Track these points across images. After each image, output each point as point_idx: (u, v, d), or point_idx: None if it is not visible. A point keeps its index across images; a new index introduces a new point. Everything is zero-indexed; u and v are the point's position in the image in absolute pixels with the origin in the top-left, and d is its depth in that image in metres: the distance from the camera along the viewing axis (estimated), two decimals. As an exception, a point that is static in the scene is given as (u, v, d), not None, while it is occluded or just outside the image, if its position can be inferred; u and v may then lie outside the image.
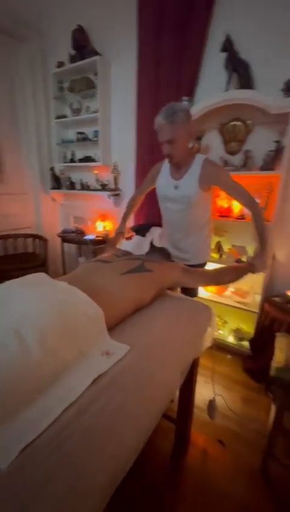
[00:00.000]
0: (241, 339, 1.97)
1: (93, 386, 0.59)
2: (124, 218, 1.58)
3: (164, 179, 1.36)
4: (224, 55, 1.61)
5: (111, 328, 0.81)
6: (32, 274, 0.88)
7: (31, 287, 0.76)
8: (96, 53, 2.20)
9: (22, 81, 2.54)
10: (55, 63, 2.44)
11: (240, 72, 1.56)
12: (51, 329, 0.62)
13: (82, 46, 2.26)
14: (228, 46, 1.56)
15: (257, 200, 1.27)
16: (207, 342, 1.00)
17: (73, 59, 2.33)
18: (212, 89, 1.77)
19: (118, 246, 1.47)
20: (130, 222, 2.39)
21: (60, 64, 2.42)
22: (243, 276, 1.12)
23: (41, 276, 0.88)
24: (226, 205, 1.83)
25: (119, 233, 1.52)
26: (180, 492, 1.08)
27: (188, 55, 1.80)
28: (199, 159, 1.25)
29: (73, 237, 2.60)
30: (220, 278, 1.12)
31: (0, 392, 0.50)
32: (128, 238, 1.63)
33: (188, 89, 1.84)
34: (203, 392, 1.46)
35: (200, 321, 0.97)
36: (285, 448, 1.22)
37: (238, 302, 1.94)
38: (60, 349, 0.63)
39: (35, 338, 0.59)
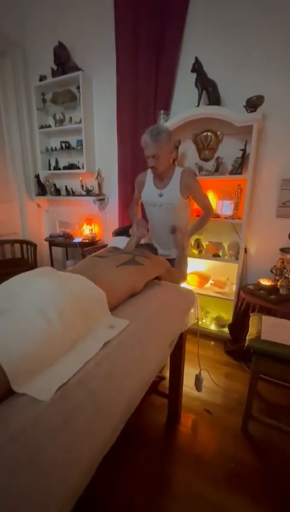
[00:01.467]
0: (222, 326, 2.19)
1: (104, 349, 0.74)
2: (134, 217, 1.80)
3: (149, 188, 1.58)
4: (195, 74, 1.84)
5: (112, 309, 0.96)
6: (41, 267, 1.01)
7: (44, 276, 0.90)
8: (77, 68, 2.37)
9: (5, 93, 2.64)
10: (38, 76, 2.57)
11: (209, 90, 1.79)
12: (67, 307, 0.76)
13: (63, 62, 2.41)
14: (197, 68, 1.79)
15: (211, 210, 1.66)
16: (192, 320, 1.18)
17: (55, 73, 2.47)
18: (186, 104, 2.00)
19: (109, 244, 1.64)
20: (116, 225, 2.56)
21: (42, 78, 2.55)
22: (184, 249, 1.48)
23: (49, 268, 1.02)
24: (202, 206, 2.05)
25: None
26: (175, 452, 1.24)
27: (163, 73, 2.02)
28: (178, 171, 1.50)
29: (61, 241, 2.71)
30: (184, 271, 1.48)
31: (36, 352, 0.64)
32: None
33: (164, 103, 2.05)
34: (191, 371, 1.64)
35: (184, 302, 1.15)
36: (260, 409, 1.43)
37: (218, 293, 2.15)
38: (75, 324, 0.77)
39: (56, 314, 0.73)
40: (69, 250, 3.03)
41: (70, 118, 2.59)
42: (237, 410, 1.44)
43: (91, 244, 2.61)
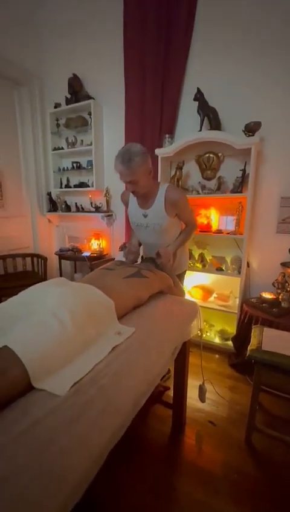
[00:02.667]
0: (226, 339, 2.22)
1: (113, 352, 0.82)
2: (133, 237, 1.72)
3: (133, 208, 1.49)
4: (197, 102, 2.00)
5: (119, 317, 1.04)
6: (55, 278, 1.11)
7: (58, 285, 1.00)
8: (89, 97, 2.58)
9: (23, 118, 2.87)
10: (53, 104, 2.80)
11: (210, 116, 1.94)
12: (79, 312, 0.85)
13: (77, 91, 2.64)
14: (199, 97, 1.95)
15: (195, 226, 1.59)
16: (194, 330, 1.24)
17: (68, 101, 2.70)
18: (189, 128, 2.16)
19: (116, 258, 1.73)
20: (122, 240, 2.67)
21: (57, 105, 2.78)
22: (172, 270, 1.48)
23: (62, 279, 1.11)
24: (205, 222, 2.15)
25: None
26: (179, 462, 1.27)
27: (168, 100, 2.20)
28: (163, 188, 1.38)
29: (70, 255, 2.83)
30: (181, 288, 1.55)
31: (52, 354, 0.72)
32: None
33: (169, 127, 2.22)
34: (195, 384, 1.67)
35: (186, 312, 1.22)
36: (263, 421, 1.45)
37: (221, 306, 2.20)
38: (85, 328, 0.85)
39: (69, 318, 0.81)
40: (77, 263, 3.14)
41: (82, 140, 2.79)
42: (240, 422, 1.46)
43: (99, 258, 2.72)
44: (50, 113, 2.81)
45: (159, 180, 2.21)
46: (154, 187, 1.39)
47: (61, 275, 3.03)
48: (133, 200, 1.48)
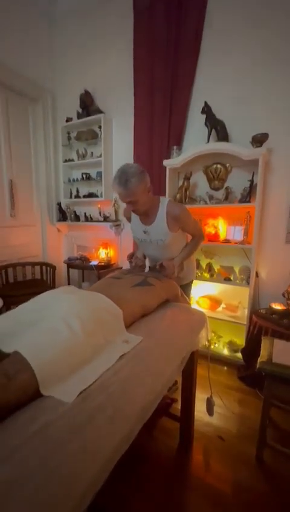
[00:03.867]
0: (235, 351, 2.17)
1: (121, 360, 0.82)
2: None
3: (135, 224, 1.48)
4: (204, 115, 2.05)
5: (126, 326, 1.04)
6: (65, 286, 1.13)
7: (68, 293, 1.01)
8: (99, 111, 2.68)
9: (35, 132, 2.99)
10: (65, 118, 2.91)
11: (217, 128, 1.98)
12: (88, 319, 0.86)
13: (88, 106, 2.74)
14: (206, 110, 2.00)
15: (202, 236, 1.54)
16: (202, 340, 1.23)
17: (80, 116, 2.80)
18: (197, 139, 2.20)
19: (124, 267, 1.74)
20: (130, 249, 2.69)
21: (69, 119, 2.89)
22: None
23: (72, 287, 1.13)
24: (213, 231, 2.16)
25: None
26: (187, 478, 1.23)
27: (176, 113, 2.26)
28: (163, 203, 1.37)
29: (78, 263, 2.86)
30: (188, 300, 1.52)
31: (61, 360, 0.72)
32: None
33: (177, 139, 2.27)
34: (203, 397, 1.63)
35: (194, 321, 1.21)
36: (275, 438, 1.39)
37: (230, 316, 2.17)
38: (94, 336, 0.86)
39: (78, 326, 0.82)
40: (85, 272, 3.17)
41: (92, 152, 2.87)
42: (250, 438, 1.41)
43: (106, 267, 2.74)
44: (62, 127, 2.92)
45: (167, 190, 2.24)
46: (155, 203, 1.38)
47: (69, 284, 3.06)
48: (135, 216, 1.46)
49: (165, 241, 1.41)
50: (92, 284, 1.35)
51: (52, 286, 2.81)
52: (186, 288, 1.64)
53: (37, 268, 2.98)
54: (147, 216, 1.40)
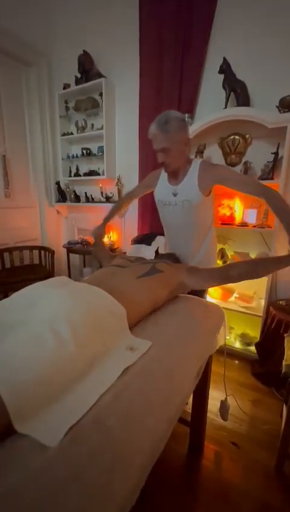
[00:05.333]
0: (247, 344, 2.01)
1: (124, 375, 0.63)
2: (106, 219, 1.57)
3: (162, 186, 1.34)
4: (222, 75, 1.75)
5: (131, 326, 0.86)
6: (56, 277, 0.93)
7: (60, 287, 0.81)
8: (100, 75, 2.36)
9: (30, 102, 2.69)
10: (62, 85, 2.59)
11: (237, 91, 1.69)
12: (82, 324, 0.67)
13: (87, 69, 2.42)
14: (225, 68, 1.69)
15: (268, 187, 1.13)
16: (221, 340, 1.04)
17: (78, 81, 2.48)
18: (212, 106, 1.91)
19: (128, 252, 1.53)
20: (135, 233, 2.47)
21: (66, 86, 2.57)
22: (277, 267, 1.04)
23: (65, 278, 0.93)
24: (228, 213, 1.92)
25: (99, 235, 1.54)
26: (197, 490, 1.09)
27: (188, 75, 1.95)
28: (196, 163, 1.23)
29: (79, 248, 2.67)
30: (231, 273, 1.00)
31: (42, 381, 0.54)
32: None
33: (189, 106, 1.97)
34: (214, 395, 1.48)
35: (212, 319, 1.02)
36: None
37: (244, 307, 1.98)
38: (90, 343, 0.67)
39: (68, 332, 0.63)
40: (87, 257, 2.98)
41: (92, 124, 2.58)
42: (268, 445, 1.26)
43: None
44: (58, 94, 2.61)
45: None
46: (187, 163, 1.24)
47: (69, 269, 2.88)
48: (163, 177, 1.33)
49: (193, 203, 1.23)
50: (94, 271, 1.15)
51: (51, 272, 2.64)
52: None
53: (36, 252, 2.79)
54: (176, 175, 1.26)
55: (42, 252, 2.79)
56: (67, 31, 2.55)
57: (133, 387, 0.60)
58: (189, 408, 1.25)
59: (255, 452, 1.25)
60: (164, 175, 1.33)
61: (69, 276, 2.91)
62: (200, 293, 1.46)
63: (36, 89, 2.66)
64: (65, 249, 2.82)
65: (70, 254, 2.82)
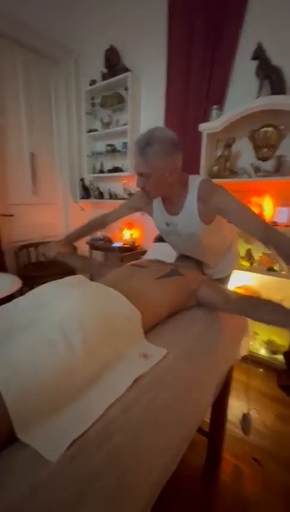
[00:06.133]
0: (274, 352, 1.87)
1: (136, 386, 0.59)
2: (67, 238, 1.40)
3: (159, 214, 1.13)
4: (254, 62, 1.61)
5: (147, 331, 0.81)
6: (71, 276, 0.91)
7: (73, 287, 0.79)
8: (126, 69, 2.31)
9: (57, 99, 2.72)
10: (88, 81, 2.59)
11: (272, 78, 1.55)
12: (93, 328, 0.63)
13: (113, 64, 2.39)
14: (259, 54, 1.56)
15: (273, 229, 0.88)
16: (243, 350, 0.96)
17: (105, 76, 2.46)
18: (242, 97, 1.78)
19: (149, 250, 1.47)
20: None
21: (93, 82, 2.57)
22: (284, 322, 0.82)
23: (80, 278, 0.91)
24: (257, 212, 1.79)
25: (54, 254, 1.35)
26: (213, 504, 1.03)
27: (218, 65, 1.83)
28: (193, 189, 0.99)
29: (101, 244, 2.67)
30: (252, 310, 0.87)
31: (47, 387, 0.51)
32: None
33: (218, 97, 1.86)
34: (235, 405, 1.40)
35: (234, 326, 0.95)
36: None
37: (271, 313, 1.84)
38: (101, 350, 0.64)
39: (79, 337, 0.60)
40: (109, 254, 2.98)
41: (117, 120, 2.55)
42: (295, 467, 1.16)
43: (131, 250, 2.51)
44: (85, 91, 2.61)
45: (202, 162, 1.89)
46: (181, 186, 1.00)
47: (91, 266, 2.90)
48: (158, 202, 1.11)
49: (198, 235, 1.04)
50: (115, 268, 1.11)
51: (74, 268, 2.67)
52: (222, 283, 1.34)
53: (60, 248, 2.85)
54: (171, 203, 1.06)
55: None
56: (94, 26, 2.53)
57: (144, 402, 0.56)
58: (207, 418, 1.18)
59: (278, 472, 1.15)
60: (158, 200, 1.11)
61: (91, 273, 2.94)
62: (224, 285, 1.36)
63: (64, 86, 2.69)
64: (88, 245, 2.85)
65: (93, 251, 2.84)
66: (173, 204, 1.05)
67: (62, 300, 0.71)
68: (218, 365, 0.77)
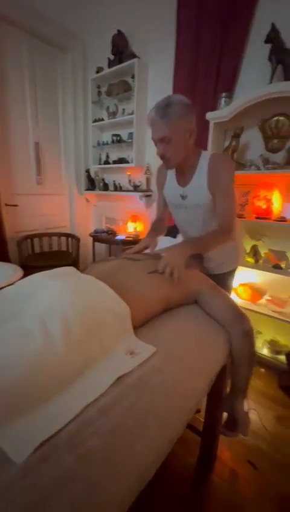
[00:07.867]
0: (277, 352, 1.82)
1: (118, 385, 0.56)
2: (148, 236, 1.32)
3: (169, 186, 1.16)
4: (266, 47, 1.51)
5: (137, 327, 0.78)
6: (61, 267, 0.88)
7: (60, 278, 0.76)
8: (134, 55, 2.23)
9: (64, 88, 2.67)
10: (95, 69, 2.52)
11: (286, 62, 1.45)
12: (76, 321, 0.60)
13: (121, 50, 2.30)
14: (273, 37, 1.46)
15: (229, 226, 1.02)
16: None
17: (111, 63, 2.39)
18: (252, 83, 1.69)
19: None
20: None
21: (99, 70, 2.49)
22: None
23: (69, 269, 0.88)
24: (264, 206, 1.71)
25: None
26: (203, 508, 1.00)
27: (229, 50, 1.73)
28: (205, 158, 1.02)
29: (104, 237, 2.64)
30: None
31: (22, 382, 0.49)
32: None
33: (227, 83, 1.77)
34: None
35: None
36: None
37: (275, 312, 1.78)
38: (84, 344, 0.61)
39: (60, 329, 0.57)
40: (113, 246, 2.95)
41: (124, 109, 2.48)
42: (291, 471, 1.12)
43: (134, 243, 2.46)
44: (91, 79, 2.54)
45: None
46: (193, 156, 1.03)
47: (94, 258, 2.89)
48: (171, 174, 1.15)
49: (205, 207, 1.06)
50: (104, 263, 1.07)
51: (77, 259, 2.66)
52: (226, 278, 1.28)
53: (64, 239, 2.84)
54: (182, 172, 1.08)
55: (69, 239, 2.83)
56: (101, 11, 2.45)
57: (125, 403, 0.52)
58: (202, 416, 1.15)
59: (274, 476, 1.11)
60: (171, 172, 1.15)
61: (94, 265, 2.92)
62: (228, 280, 1.31)
63: (71, 75, 2.63)
64: (91, 237, 2.83)
65: (96, 243, 2.81)
66: (184, 175, 1.08)
67: (46, 291, 0.68)
68: (210, 365, 0.73)
